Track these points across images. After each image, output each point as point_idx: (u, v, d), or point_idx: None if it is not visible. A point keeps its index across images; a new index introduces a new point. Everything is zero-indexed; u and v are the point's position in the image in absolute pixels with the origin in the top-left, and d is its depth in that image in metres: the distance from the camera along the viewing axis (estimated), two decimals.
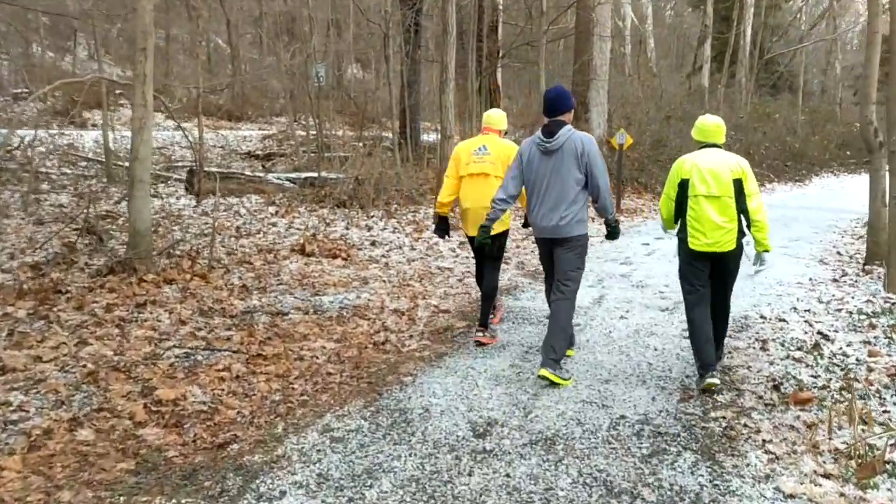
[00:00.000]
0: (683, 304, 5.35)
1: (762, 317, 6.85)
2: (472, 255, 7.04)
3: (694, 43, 33.26)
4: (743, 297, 7.40)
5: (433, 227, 6.76)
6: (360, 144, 19.94)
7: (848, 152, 26.45)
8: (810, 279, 8.37)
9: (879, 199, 8.47)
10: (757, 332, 6.38)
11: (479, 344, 5.98)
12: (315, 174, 13.52)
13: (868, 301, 7.23)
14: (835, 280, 8.27)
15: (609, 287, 8.15)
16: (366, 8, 18.26)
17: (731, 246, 4.93)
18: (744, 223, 5.04)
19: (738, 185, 4.93)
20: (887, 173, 8.12)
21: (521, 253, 9.94)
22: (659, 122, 19.70)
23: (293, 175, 14.28)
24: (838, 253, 10.06)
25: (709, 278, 5.15)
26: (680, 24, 38.01)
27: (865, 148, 8.80)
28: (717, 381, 4.92)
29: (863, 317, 6.74)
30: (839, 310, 7.04)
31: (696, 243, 4.95)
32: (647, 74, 26.40)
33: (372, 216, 11.64)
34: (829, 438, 4.20)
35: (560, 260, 5.28)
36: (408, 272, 8.48)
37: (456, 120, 18.86)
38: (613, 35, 20.63)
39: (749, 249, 5.14)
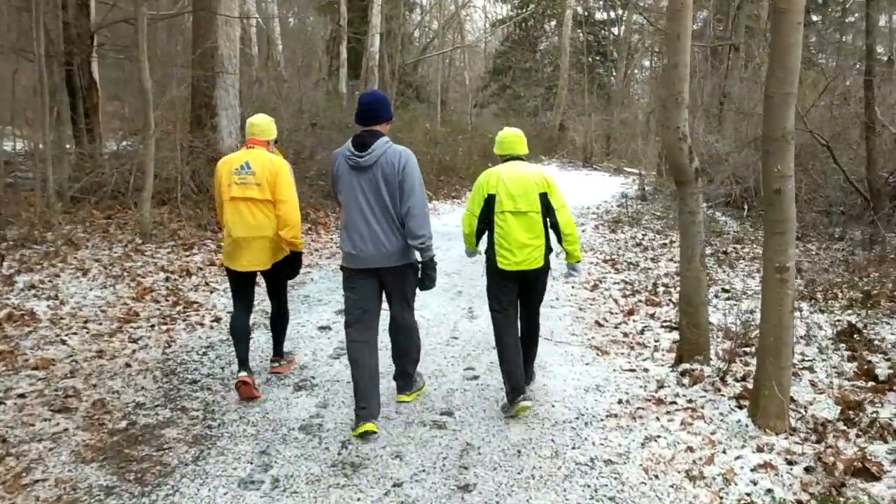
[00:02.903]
0: (492, 325, 4.74)
1: None
2: None
3: (319, 51, 30.31)
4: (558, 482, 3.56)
5: None
6: None
7: (490, 164, 24.87)
8: (620, 401, 4.78)
9: (697, 259, 5.18)
10: None
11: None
12: None
13: (765, 466, 3.80)
14: (657, 400, 4.79)
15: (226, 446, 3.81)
16: None
17: (539, 263, 4.59)
18: (552, 239, 4.69)
19: (545, 199, 4.57)
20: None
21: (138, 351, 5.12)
22: (303, 130, 15.63)
23: None
24: (589, 321, 6.71)
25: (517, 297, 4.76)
26: (305, 30, 34.69)
27: (673, 177, 5.43)
28: (529, 403, 4.55)
29: None
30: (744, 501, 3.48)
31: (505, 262, 4.54)
32: (278, 79, 22.55)
33: None
34: None
35: (391, 296, 4.52)
36: None
37: (27, 127, 13.11)
38: (243, 24, 16.06)
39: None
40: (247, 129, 5.00)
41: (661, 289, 8.12)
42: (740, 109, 14.56)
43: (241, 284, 4.99)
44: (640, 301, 7.54)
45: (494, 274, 4.65)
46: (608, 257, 10.16)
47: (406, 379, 4.78)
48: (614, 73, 37.69)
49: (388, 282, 4.42)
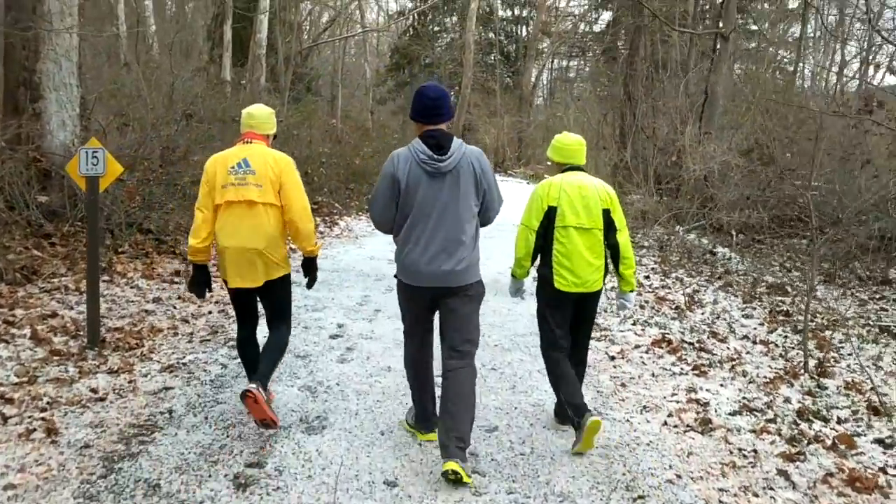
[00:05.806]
0: (542, 351, 4.17)
1: None
2: None
3: (200, 39, 25.46)
4: None
5: (188, 282, 4.39)
6: None
7: None
8: None
9: None
10: None
11: None
12: None
13: None
14: None
15: None
16: None
17: (599, 286, 4.04)
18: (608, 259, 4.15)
19: (607, 215, 4.03)
20: None
21: None
22: (175, 122, 11.14)
23: None
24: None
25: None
26: (184, 15, 29.56)
27: None
28: (599, 418, 3.82)
29: None
30: None
31: (564, 283, 3.93)
32: (147, 63, 17.87)
33: None
34: None
35: (455, 317, 3.68)
36: None
37: None
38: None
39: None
40: (243, 121, 4.02)
41: (804, 425, 4.44)
42: (728, 114, 11.23)
43: (240, 302, 4.14)
44: (816, 472, 3.80)
45: (549, 296, 4.02)
46: (649, 327, 6.42)
47: (464, 442, 3.41)
48: (516, 76, 34.41)
49: (448, 302, 3.64)
